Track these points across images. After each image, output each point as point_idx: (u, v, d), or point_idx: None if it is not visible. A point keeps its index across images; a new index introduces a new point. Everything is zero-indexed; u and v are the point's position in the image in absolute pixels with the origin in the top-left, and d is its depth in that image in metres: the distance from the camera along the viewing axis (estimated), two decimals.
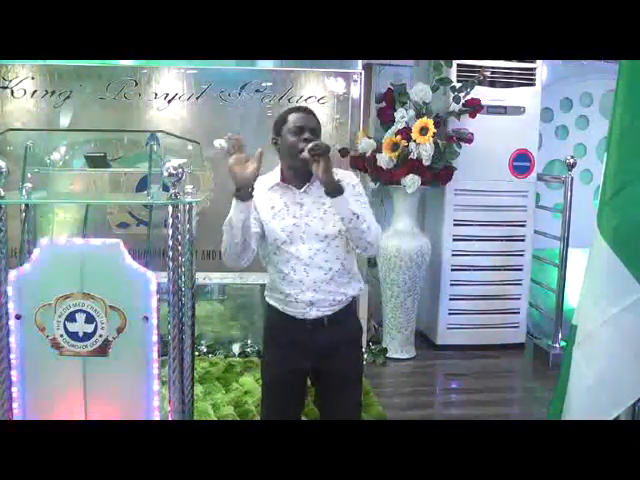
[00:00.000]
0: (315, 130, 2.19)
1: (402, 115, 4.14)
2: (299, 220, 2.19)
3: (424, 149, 4.02)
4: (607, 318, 1.80)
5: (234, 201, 2.06)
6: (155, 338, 2.20)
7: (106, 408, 2.22)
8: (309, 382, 2.41)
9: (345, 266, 2.24)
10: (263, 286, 2.43)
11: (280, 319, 2.27)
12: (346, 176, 2.23)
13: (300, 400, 2.39)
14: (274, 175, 2.26)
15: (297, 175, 2.21)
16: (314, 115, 2.24)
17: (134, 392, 2.23)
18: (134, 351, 2.21)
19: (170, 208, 2.17)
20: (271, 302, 2.30)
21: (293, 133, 2.16)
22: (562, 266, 4.34)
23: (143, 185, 3.52)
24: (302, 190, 2.22)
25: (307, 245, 2.19)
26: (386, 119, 4.31)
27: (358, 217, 2.12)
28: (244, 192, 2.04)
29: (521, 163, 4.50)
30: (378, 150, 4.15)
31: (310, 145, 2.09)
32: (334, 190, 2.09)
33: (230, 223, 2.08)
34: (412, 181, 4.08)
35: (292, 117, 2.19)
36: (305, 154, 2.09)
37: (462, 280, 4.54)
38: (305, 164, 2.12)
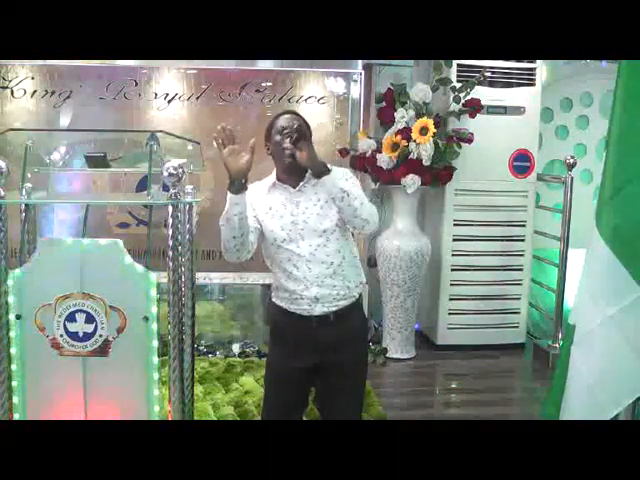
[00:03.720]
0: (299, 128, 2.24)
1: (402, 115, 4.14)
2: (297, 218, 2.23)
3: (424, 149, 4.02)
4: (606, 318, 1.80)
5: (229, 195, 2.11)
6: (155, 338, 2.20)
7: (106, 408, 2.22)
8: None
9: (346, 258, 2.28)
10: (264, 286, 2.44)
11: (286, 318, 2.29)
12: (339, 172, 2.26)
13: (302, 400, 2.39)
14: (270, 178, 2.33)
15: (291, 175, 2.27)
16: (299, 116, 2.32)
17: (134, 392, 2.23)
18: (134, 351, 2.21)
19: (170, 208, 2.18)
20: (277, 302, 2.32)
21: (279, 133, 2.24)
22: (562, 266, 4.34)
23: (143, 185, 3.53)
24: (297, 189, 2.27)
25: (307, 241, 2.22)
26: (386, 119, 4.31)
27: (348, 194, 2.16)
28: (238, 184, 2.10)
29: (521, 163, 4.50)
30: (378, 150, 4.15)
31: (285, 132, 2.19)
32: (320, 170, 2.16)
33: (226, 217, 2.12)
34: (412, 181, 4.08)
35: (278, 120, 2.28)
36: (287, 145, 2.17)
37: (462, 280, 4.54)
38: (294, 160, 2.18)
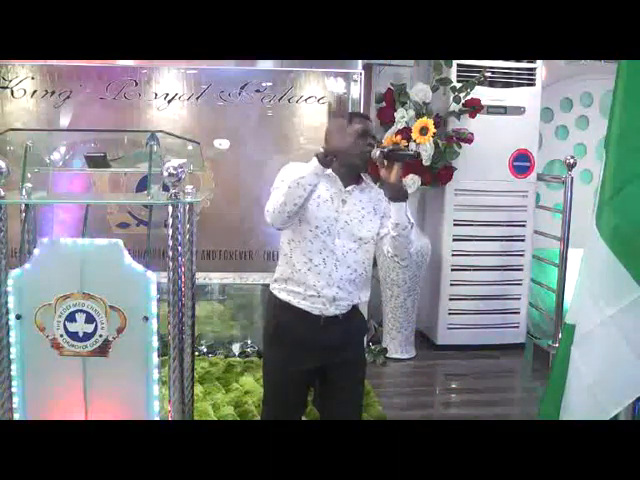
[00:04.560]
0: (375, 139, 2.27)
1: (402, 115, 4.14)
2: (340, 215, 2.23)
3: (424, 149, 4.02)
4: (605, 318, 1.81)
5: (316, 163, 2.08)
6: (155, 338, 2.20)
7: (106, 408, 2.22)
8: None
9: (366, 272, 2.29)
10: (264, 286, 2.41)
11: (290, 315, 2.24)
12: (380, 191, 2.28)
13: (303, 402, 2.39)
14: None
15: (346, 174, 2.25)
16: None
17: (134, 392, 2.23)
18: (134, 351, 2.21)
19: (170, 208, 2.18)
20: (282, 296, 2.26)
21: (359, 135, 2.21)
22: (562, 266, 4.34)
23: (143, 185, 3.53)
24: (347, 189, 2.25)
25: (342, 241, 2.22)
26: (386, 119, 4.31)
27: (412, 226, 2.20)
28: (330, 159, 2.09)
29: (521, 163, 4.50)
30: None
31: (392, 147, 2.19)
32: (399, 195, 2.16)
33: (299, 182, 2.07)
34: (412, 181, 4.09)
35: (357, 120, 2.25)
36: (377, 155, 2.15)
37: (462, 280, 4.54)
38: (358, 166, 2.22)
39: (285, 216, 2.12)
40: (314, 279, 2.20)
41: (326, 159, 2.08)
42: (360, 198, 2.26)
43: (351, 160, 2.21)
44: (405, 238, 2.19)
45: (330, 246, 2.20)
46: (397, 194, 2.16)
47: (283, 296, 2.26)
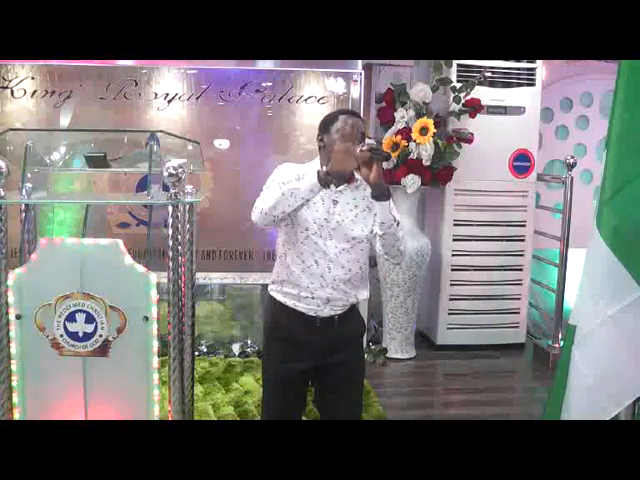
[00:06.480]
0: (363, 135, 2.22)
1: (402, 115, 4.14)
2: (331, 216, 2.21)
3: (424, 149, 4.02)
4: (606, 318, 1.80)
5: (314, 180, 2.04)
6: (155, 338, 2.20)
7: (106, 408, 2.22)
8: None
9: (362, 270, 2.28)
10: (264, 286, 2.41)
11: (287, 316, 2.26)
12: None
13: (302, 399, 2.39)
14: (313, 168, 2.24)
15: (336, 174, 2.21)
16: (362, 121, 2.27)
17: (134, 392, 2.23)
18: (134, 351, 2.21)
19: (170, 208, 2.18)
20: (279, 297, 2.27)
21: (343, 134, 2.17)
22: (562, 266, 4.34)
23: (143, 185, 3.53)
24: (338, 189, 2.23)
25: (334, 242, 2.21)
26: (386, 119, 4.31)
27: (398, 224, 2.19)
28: (329, 180, 2.06)
29: (521, 163, 4.50)
30: None
31: (372, 146, 2.11)
32: (382, 194, 2.14)
33: (294, 193, 2.06)
34: (412, 181, 4.09)
35: (343, 118, 2.21)
36: (363, 152, 2.08)
37: (462, 280, 4.54)
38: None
39: (271, 219, 2.11)
40: (307, 281, 2.21)
41: (327, 179, 2.05)
42: (354, 196, 2.25)
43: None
44: (392, 236, 2.19)
45: (322, 247, 2.20)
46: (379, 193, 2.13)
47: (280, 298, 2.28)
